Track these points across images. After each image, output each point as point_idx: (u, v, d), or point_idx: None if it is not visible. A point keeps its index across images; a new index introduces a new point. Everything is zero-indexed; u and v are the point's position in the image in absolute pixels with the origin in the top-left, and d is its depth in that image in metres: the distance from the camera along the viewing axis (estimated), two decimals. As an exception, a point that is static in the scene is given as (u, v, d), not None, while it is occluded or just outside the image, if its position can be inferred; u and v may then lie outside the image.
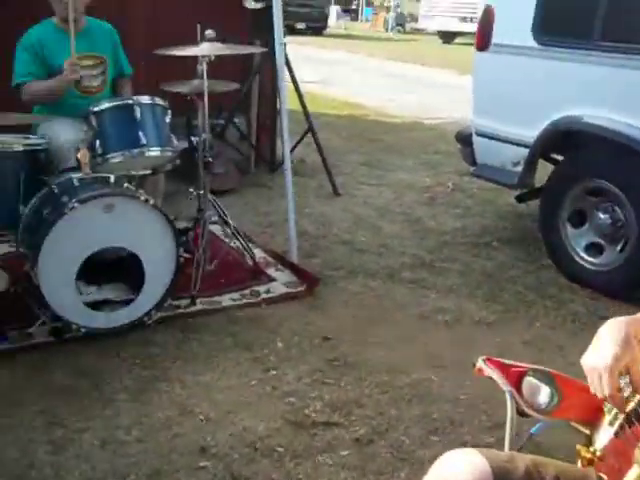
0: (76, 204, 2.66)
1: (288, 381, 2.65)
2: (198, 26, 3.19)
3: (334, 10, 25.40)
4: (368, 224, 4.48)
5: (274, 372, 2.70)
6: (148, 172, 3.15)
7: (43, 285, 2.67)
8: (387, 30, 24.51)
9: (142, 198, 2.79)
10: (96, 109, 2.91)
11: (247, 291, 3.34)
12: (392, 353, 2.90)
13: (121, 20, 3.88)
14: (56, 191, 2.84)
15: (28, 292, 2.80)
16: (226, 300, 3.25)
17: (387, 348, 2.93)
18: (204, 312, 3.13)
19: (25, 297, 2.81)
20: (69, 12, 3.17)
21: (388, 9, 26.25)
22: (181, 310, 3.10)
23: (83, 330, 2.78)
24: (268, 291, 3.36)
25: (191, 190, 3.43)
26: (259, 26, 4.83)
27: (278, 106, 4.46)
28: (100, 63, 3.48)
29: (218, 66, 3.21)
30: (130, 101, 2.94)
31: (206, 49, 3.15)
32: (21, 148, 2.98)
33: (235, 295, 3.30)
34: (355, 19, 28.11)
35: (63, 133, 3.21)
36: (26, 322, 2.82)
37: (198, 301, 3.15)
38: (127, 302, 2.90)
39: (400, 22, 25.18)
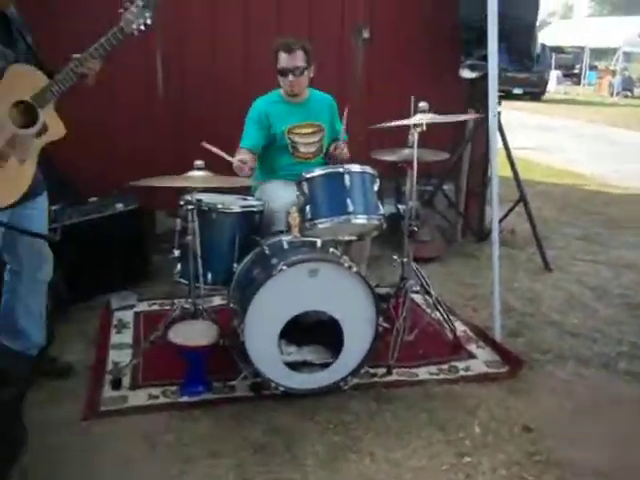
0: (284, 267, 2.76)
1: (483, 471, 2.47)
2: (412, 98, 3.22)
3: (554, 75, 24.70)
4: (581, 304, 4.14)
5: (468, 459, 2.54)
6: (354, 238, 3.20)
7: (248, 341, 2.79)
8: (612, 95, 23.27)
9: (346, 265, 2.83)
10: (309, 176, 3.03)
11: (445, 366, 3.22)
12: (603, 455, 2.59)
13: (340, 92, 4.06)
14: (267, 252, 2.98)
15: (234, 346, 2.94)
16: (423, 373, 3.15)
17: (597, 448, 2.63)
18: (400, 383, 3.05)
19: (231, 351, 2.95)
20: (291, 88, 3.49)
21: (614, 73, 24.98)
22: (377, 379, 3.06)
23: (281, 389, 2.85)
24: (467, 368, 3.21)
25: (395, 257, 3.43)
26: (474, 95, 4.79)
27: (489, 173, 4.35)
28: (317, 131, 3.67)
29: (429, 135, 3.20)
30: (341, 169, 3.03)
31: (418, 119, 3.17)
32: (239, 209, 3.20)
33: (433, 369, 3.19)
34: (577, 83, 27.09)
35: (277, 196, 3.40)
36: (230, 375, 2.96)
37: (394, 371, 3.10)
38: (325, 365, 2.92)
39: (627, 86, 23.80)
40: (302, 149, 3.64)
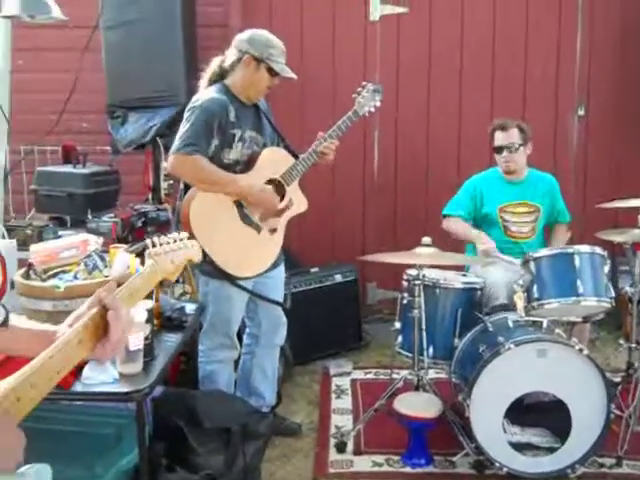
0: (511, 345, 2.79)
1: None
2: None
3: None
4: None
5: None
6: (579, 320, 3.15)
7: (472, 418, 2.82)
8: None
9: (576, 347, 2.79)
10: (536, 255, 3.05)
11: (681, 462, 3.00)
12: None
13: (555, 170, 4.07)
14: (491, 329, 3.02)
15: (457, 421, 2.98)
16: (656, 468, 2.97)
17: None
18: (632, 477, 2.89)
19: (453, 425, 3.00)
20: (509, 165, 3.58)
21: None
22: (606, 469, 2.93)
23: (505, 470, 2.82)
24: None
25: (621, 342, 3.31)
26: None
27: None
28: (532, 212, 3.69)
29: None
30: (570, 250, 3.02)
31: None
32: (461, 285, 3.29)
33: (667, 464, 2.99)
34: None
35: (495, 273, 3.44)
36: (451, 449, 3.00)
37: (625, 463, 2.94)
38: (551, 450, 2.86)
39: None
40: (513, 228, 3.67)
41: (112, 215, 3.29)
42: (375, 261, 3.39)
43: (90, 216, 3.29)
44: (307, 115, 4.59)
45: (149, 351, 2.19)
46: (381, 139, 4.80)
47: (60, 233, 3.10)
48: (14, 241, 2.62)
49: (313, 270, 4.37)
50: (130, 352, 2.07)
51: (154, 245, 1.46)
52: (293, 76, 2.90)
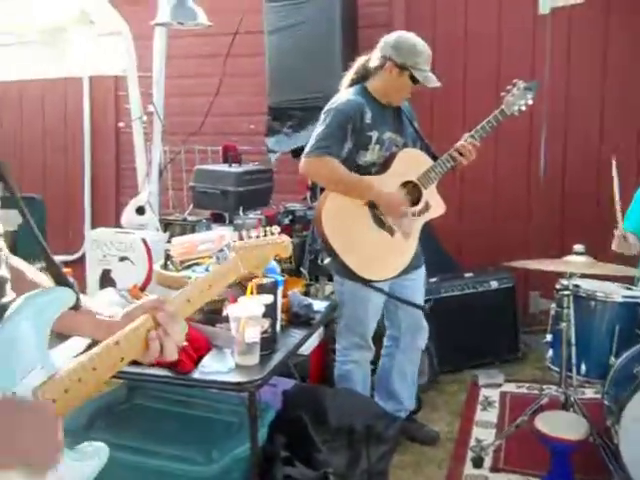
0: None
1: None
2: None
3: None
4: None
5: None
6: None
7: (622, 444, 2.54)
8: None
9: None
10: None
11: None
12: None
13: None
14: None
15: (605, 446, 2.71)
16: None
17: None
18: None
19: (601, 450, 2.73)
20: None
21: None
22: None
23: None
24: None
25: None
26: None
27: None
28: None
29: None
30: None
31: None
32: (621, 299, 2.98)
33: None
34: None
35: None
36: (598, 476, 2.73)
37: None
38: None
39: None
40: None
41: (259, 212, 3.42)
42: (534, 268, 3.18)
43: (242, 213, 3.44)
44: (468, 114, 4.44)
45: (268, 344, 2.24)
46: (548, 137, 4.50)
47: (213, 228, 3.27)
48: (162, 234, 2.81)
49: (467, 275, 4.20)
50: (247, 344, 2.13)
51: (241, 238, 1.48)
52: (437, 84, 2.81)
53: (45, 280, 1.21)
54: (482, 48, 4.50)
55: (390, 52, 2.81)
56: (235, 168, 3.64)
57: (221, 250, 2.45)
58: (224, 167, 3.70)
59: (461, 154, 2.84)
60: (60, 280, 1.17)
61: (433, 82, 2.81)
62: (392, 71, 2.81)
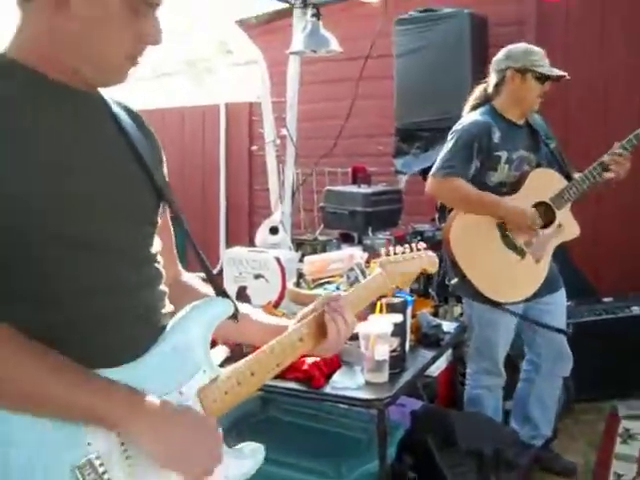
0: None
1: None
2: None
3: None
4: None
5: None
6: None
7: None
8: None
9: None
10: None
11: None
12: None
13: None
14: None
15: None
16: None
17: None
18: None
19: None
20: None
21: None
22: None
23: None
24: None
25: None
26: None
27: None
28: None
29: None
30: None
31: None
32: None
33: None
34: None
35: None
36: None
37: None
38: None
39: None
40: None
41: (388, 233, 3.45)
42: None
43: (370, 233, 3.48)
44: (610, 125, 4.25)
45: (397, 363, 2.25)
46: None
47: (343, 248, 3.34)
48: (294, 253, 2.91)
49: (606, 300, 3.99)
50: (376, 361, 2.15)
51: (387, 254, 1.51)
52: (562, 74, 2.74)
53: (210, 291, 1.31)
54: (618, 61, 4.30)
55: (505, 63, 2.79)
56: (364, 189, 3.70)
57: (351, 269, 2.50)
58: (353, 188, 3.77)
59: (606, 169, 2.72)
60: (220, 291, 1.27)
61: (557, 71, 2.74)
62: (514, 79, 2.77)
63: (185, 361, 1.15)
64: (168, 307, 1.23)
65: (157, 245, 1.24)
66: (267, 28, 5.04)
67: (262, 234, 3.44)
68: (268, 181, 3.93)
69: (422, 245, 1.61)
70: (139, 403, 1.04)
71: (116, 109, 1.25)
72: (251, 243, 3.81)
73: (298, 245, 3.39)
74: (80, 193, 1.06)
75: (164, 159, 1.34)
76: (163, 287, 1.23)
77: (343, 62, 4.13)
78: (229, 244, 5.13)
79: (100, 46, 1.09)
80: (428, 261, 1.60)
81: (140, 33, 1.11)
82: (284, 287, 2.69)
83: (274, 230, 3.39)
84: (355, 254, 2.60)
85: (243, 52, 4.00)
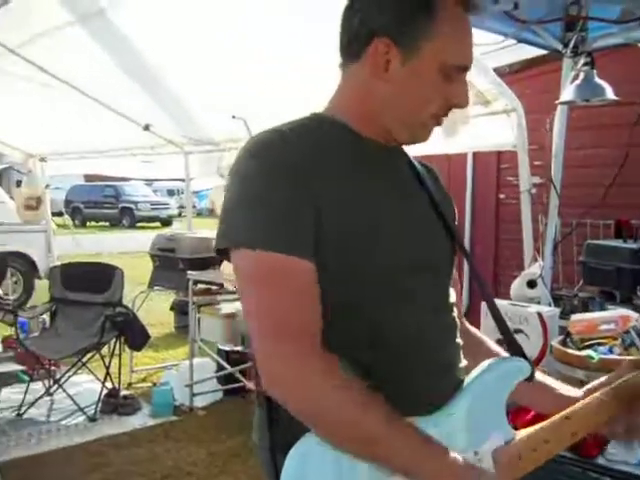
0: None
1: None
2: None
3: None
4: None
5: None
6: None
7: None
8: None
9: None
10: None
11: None
12: None
13: None
14: None
15: None
16: None
17: None
18: None
19: None
20: None
21: None
22: None
23: None
24: None
25: None
26: None
27: None
28: None
29: None
30: None
31: None
32: None
33: None
34: None
35: None
36: None
37: None
38: None
39: None
40: None
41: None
42: None
43: (639, 292, 3.19)
44: None
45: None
46: None
47: (607, 307, 3.10)
48: (556, 309, 2.75)
49: None
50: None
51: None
52: None
53: (501, 351, 1.29)
54: None
55: None
56: (630, 244, 3.41)
57: (627, 332, 2.31)
58: (617, 242, 3.50)
59: None
60: (516, 350, 1.24)
61: None
62: None
63: (484, 421, 1.13)
64: (464, 361, 1.23)
65: (453, 296, 1.25)
66: (519, 76, 4.95)
67: (518, 287, 3.32)
68: (522, 231, 3.79)
69: None
70: (452, 466, 1.03)
71: (415, 164, 1.30)
72: (496, 294, 3.67)
73: (555, 300, 3.21)
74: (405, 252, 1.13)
75: (456, 214, 1.37)
76: (459, 339, 1.23)
77: (616, 107, 3.87)
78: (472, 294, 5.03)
79: (412, 106, 1.15)
80: None
81: (449, 96, 1.15)
82: (546, 344, 2.57)
83: (532, 284, 3.26)
84: (631, 316, 2.40)
85: (501, 102, 3.96)
